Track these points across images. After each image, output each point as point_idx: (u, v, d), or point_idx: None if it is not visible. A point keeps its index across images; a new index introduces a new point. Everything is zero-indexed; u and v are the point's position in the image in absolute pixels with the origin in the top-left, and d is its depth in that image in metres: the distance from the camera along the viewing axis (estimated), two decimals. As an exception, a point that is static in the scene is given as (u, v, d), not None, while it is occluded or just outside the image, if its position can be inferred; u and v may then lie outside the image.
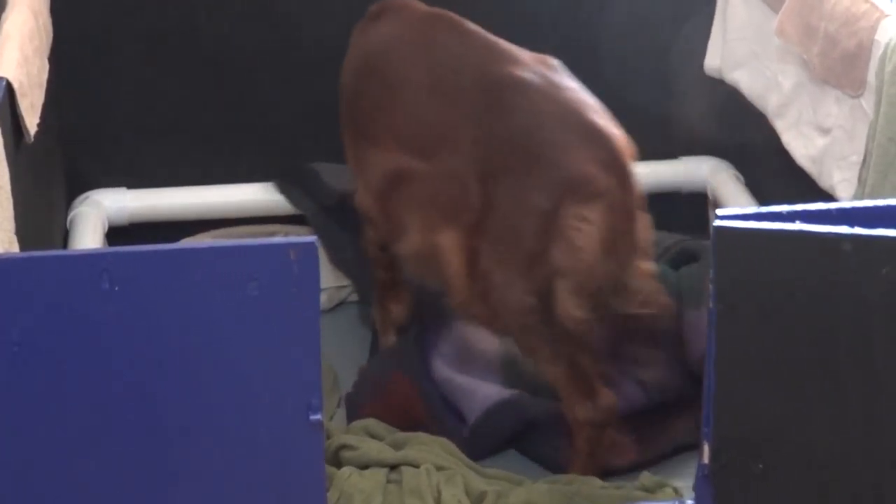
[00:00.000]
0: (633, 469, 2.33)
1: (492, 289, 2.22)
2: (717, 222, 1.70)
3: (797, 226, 1.67)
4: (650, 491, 2.20)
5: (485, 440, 2.38)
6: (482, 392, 2.45)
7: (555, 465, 2.36)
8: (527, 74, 2.33)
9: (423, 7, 2.58)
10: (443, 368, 2.52)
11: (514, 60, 2.37)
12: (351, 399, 2.51)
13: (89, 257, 1.73)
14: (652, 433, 2.44)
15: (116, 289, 1.70)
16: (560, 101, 2.30)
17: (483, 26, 2.94)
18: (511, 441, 2.42)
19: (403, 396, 2.48)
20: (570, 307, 2.19)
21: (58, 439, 1.75)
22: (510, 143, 2.26)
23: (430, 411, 2.45)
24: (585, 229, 2.20)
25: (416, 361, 2.55)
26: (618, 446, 2.39)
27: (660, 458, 2.38)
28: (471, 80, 2.35)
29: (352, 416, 2.47)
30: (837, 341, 1.71)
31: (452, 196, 2.26)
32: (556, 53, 3.02)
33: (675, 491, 2.16)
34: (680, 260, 2.76)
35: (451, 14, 2.53)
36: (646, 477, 2.25)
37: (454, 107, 2.33)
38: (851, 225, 1.64)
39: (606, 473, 2.33)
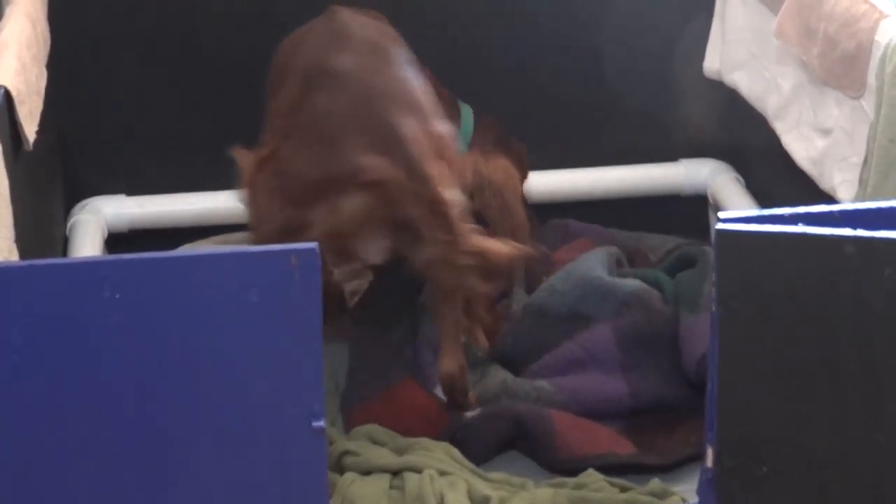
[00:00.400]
0: (641, 472, 2.33)
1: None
2: (719, 225, 1.69)
3: (799, 228, 1.67)
4: (658, 496, 2.19)
5: (471, 445, 2.38)
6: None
7: (554, 467, 2.36)
8: (340, 63, 2.41)
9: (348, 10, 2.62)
10: (438, 391, 2.52)
11: (341, 48, 2.45)
12: (349, 400, 2.50)
13: (90, 265, 1.73)
14: (654, 441, 2.44)
15: (117, 296, 1.70)
16: (356, 93, 2.38)
17: (481, 29, 2.95)
18: (501, 449, 2.42)
19: (412, 399, 2.48)
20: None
21: (59, 448, 1.74)
22: (305, 128, 2.38)
23: (445, 407, 2.45)
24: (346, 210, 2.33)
25: (418, 370, 2.56)
26: (614, 438, 2.39)
27: (665, 468, 2.37)
28: (303, 68, 2.46)
29: (347, 414, 2.46)
30: (840, 343, 1.70)
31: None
32: (556, 56, 3.04)
33: (683, 501, 2.16)
34: (678, 265, 2.75)
35: (346, 11, 2.56)
36: (655, 483, 2.24)
37: (289, 96, 2.45)
38: (854, 227, 1.64)
39: (610, 470, 2.33)
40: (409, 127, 2.34)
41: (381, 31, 2.55)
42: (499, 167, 2.73)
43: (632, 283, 2.60)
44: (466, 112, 2.85)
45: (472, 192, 2.62)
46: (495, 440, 2.40)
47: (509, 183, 2.73)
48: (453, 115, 2.77)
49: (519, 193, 2.77)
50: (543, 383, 2.49)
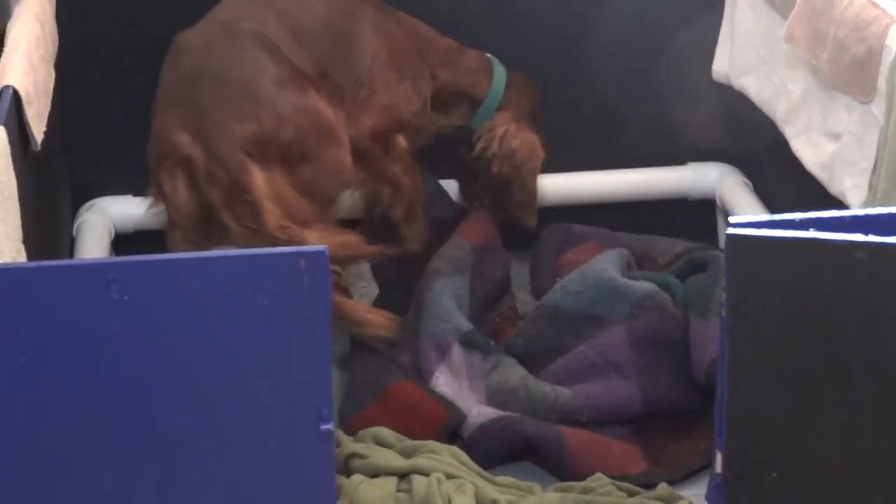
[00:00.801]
0: (650, 484, 2.32)
1: None
2: (730, 230, 1.69)
3: (811, 233, 1.66)
4: (666, 501, 2.19)
5: (478, 457, 2.37)
6: (476, 409, 2.44)
7: (563, 475, 2.35)
8: (186, 38, 2.55)
9: None
10: (443, 387, 2.51)
11: (198, 24, 2.58)
12: (346, 410, 2.49)
13: (98, 267, 1.72)
14: (664, 451, 2.43)
15: (125, 298, 1.69)
16: (187, 67, 2.51)
17: (488, 31, 2.95)
18: (506, 460, 2.41)
19: (408, 398, 2.47)
20: None
21: (66, 449, 1.74)
22: (155, 100, 2.54)
23: (442, 402, 2.44)
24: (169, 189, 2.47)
25: (416, 372, 2.56)
26: (626, 455, 2.38)
27: (677, 479, 2.36)
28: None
29: (346, 424, 2.45)
30: (850, 349, 1.70)
31: None
32: (563, 59, 3.03)
33: (691, 504, 2.16)
34: (688, 270, 2.74)
35: None
36: (663, 488, 2.24)
37: None
38: (865, 232, 1.63)
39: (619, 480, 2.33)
40: (224, 110, 2.40)
41: (262, 8, 2.58)
42: (526, 142, 2.78)
43: (645, 286, 2.59)
44: (499, 73, 2.87)
45: (493, 157, 2.67)
46: (503, 457, 2.39)
47: (531, 160, 2.79)
48: (478, 74, 2.80)
49: (537, 172, 2.81)
50: (560, 388, 2.49)
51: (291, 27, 2.55)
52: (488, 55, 2.92)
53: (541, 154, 2.83)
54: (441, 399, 2.46)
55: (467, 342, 2.57)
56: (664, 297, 2.59)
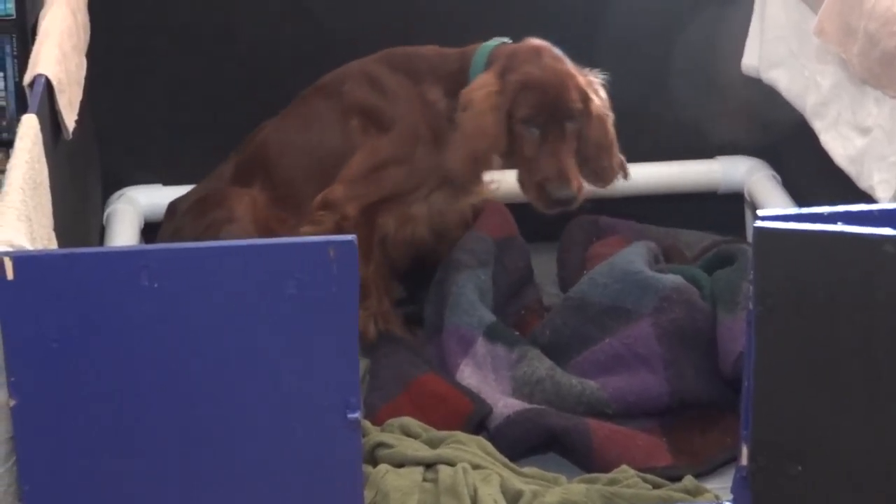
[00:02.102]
0: (676, 477, 2.32)
1: None
2: (758, 223, 1.69)
3: (839, 227, 1.66)
4: (691, 493, 2.19)
5: (504, 448, 2.37)
6: (504, 401, 2.45)
7: (589, 467, 2.35)
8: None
9: None
10: (468, 379, 2.52)
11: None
12: (373, 401, 2.50)
13: (129, 254, 1.73)
14: (690, 444, 2.43)
15: (156, 286, 1.70)
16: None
17: (517, 27, 2.95)
18: (532, 451, 2.41)
19: (435, 390, 2.48)
20: None
21: (96, 435, 1.75)
22: None
23: (468, 394, 2.45)
24: None
25: (441, 365, 2.56)
26: (652, 448, 2.38)
27: (703, 472, 2.36)
28: None
29: (373, 415, 2.46)
30: (878, 342, 1.70)
31: None
32: (593, 53, 3.03)
33: (717, 498, 2.15)
34: (715, 263, 2.74)
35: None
36: (689, 480, 2.24)
37: None
38: (894, 227, 1.63)
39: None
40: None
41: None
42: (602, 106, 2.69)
43: (672, 279, 2.59)
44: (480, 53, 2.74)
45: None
46: (529, 449, 2.39)
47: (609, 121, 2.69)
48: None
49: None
50: (587, 380, 2.49)
51: None
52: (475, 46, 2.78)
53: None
54: (467, 391, 2.47)
55: (492, 334, 2.57)
56: (691, 290, 2.58)
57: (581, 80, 2.63)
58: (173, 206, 2.86)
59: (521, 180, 2.62)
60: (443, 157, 2.65)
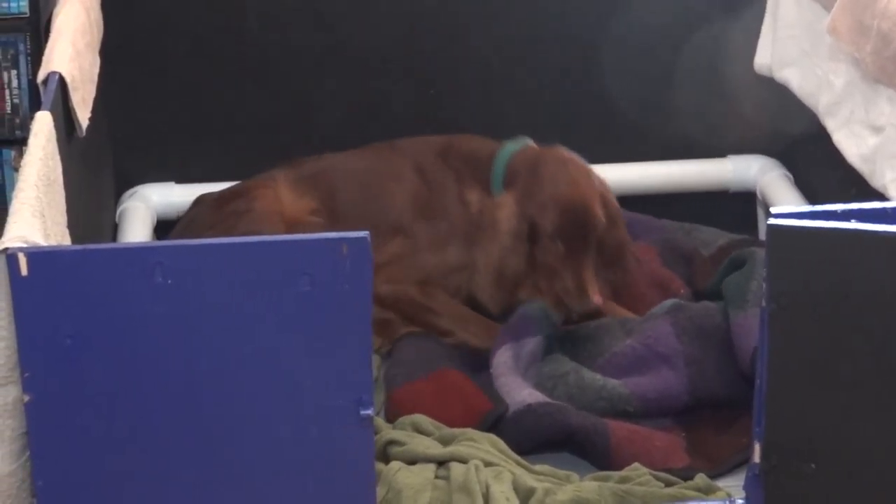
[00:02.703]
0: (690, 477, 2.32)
1: None
2: (772, 220, 1.68)
3: (852, 224, 1.66)
4: (703, 492, 2.18)
5: (518, 437, 2.37)
6: (528, 390, 2.45)
7: (606, 466, 2.35)
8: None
9: None
10: (502, 355, 2.53)
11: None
12: (394, 381, 2.51)
13: (143, 251, 1.74)
14: (707, 443, 2.43)
15: (169, 282, 1.71)
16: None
17: (530, 26, 2.95)
18: (548, 447, 2.41)
19: (456, 383, 2.49)
20: None
21: (110, 431, 1.76)
22: None
23: (488, 393, 2.46)
24: None
25: (464, 361, 2.57)
26: (670, 448, 2.38)
27: (720, 474, 2.36)
28: None
29: (391, 391, 2.49)
30: (892, 341, 1.69)
31: None
32: (605, 51, 3.03)
33: (729, 496, 2.15)
34: (729, 270, 2.74)
35: None
36: (701, 478, 2.24)
37: None
38: (908, 224, 1.63)
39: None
40: None
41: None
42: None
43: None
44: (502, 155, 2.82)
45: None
46: (543, 443, 2.39)
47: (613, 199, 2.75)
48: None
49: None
50: (610, 378, 2.50)
51: None
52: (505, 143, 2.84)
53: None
54: (488, 390, 2.48)
55: (549, 344, 2.59)
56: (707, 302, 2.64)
57: (603, 192, 2.70)
58: (200, 199, 2.89)
59: (539, 286, 2.66)
60: (472, 257, 2.73)
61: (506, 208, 2.67)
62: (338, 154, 2.90)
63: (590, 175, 2.71)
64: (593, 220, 2.64)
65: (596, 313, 2.65)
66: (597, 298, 2.61)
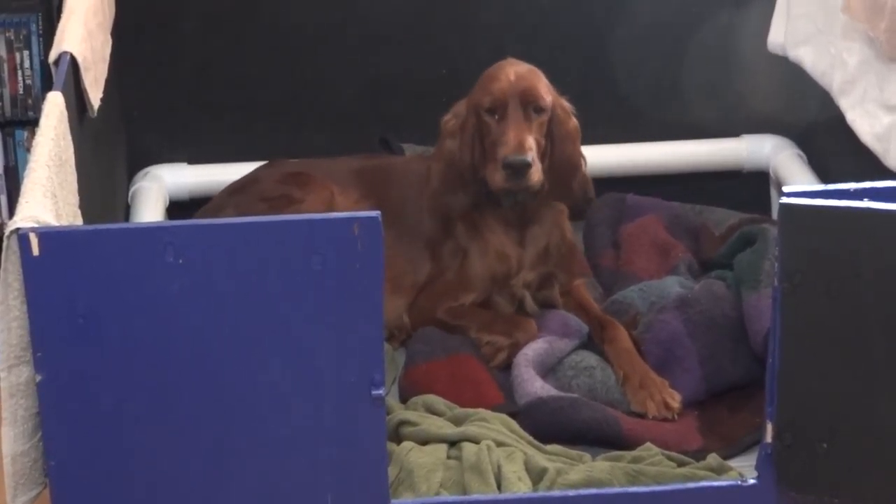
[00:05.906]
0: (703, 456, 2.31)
1: None
2: (784, 199, 1.68)
3: (865, 203, 1.66)
4: (715, 471, 2.18)
5: (529, 429, 2.37)
6: (541, 383, 2.44)
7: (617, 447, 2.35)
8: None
9: None
10: (533, 346, 2.52)
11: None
12: (415, 358, 2.52)
13: (154, 230, 1.74)
14: (721, 424, 2.42)
15: (181, 262, 1.71)
16: None
17: (531, 4, 2.94)
18: (560, 441, 2.41)
19: (473, 370, 2.49)
20: None
21: (122, 410, 1.76)
22: None
23: (502, 388, 2.45)
24: None
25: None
26: (683, 430, 2.38)
27: (733, 454, 2.36)
28: None
29: (408, 368, 2.50)
30: (904, 320, 1.69)
31: None
32: (620, 31, 3.02)
33: (741, 476, 2.15)
34: (737, 247, 2.73)
35: None
36: (713, 458, 2.23)
37: None
38: (920, 203, 1.63)
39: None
40: None
41: None
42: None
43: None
44: None
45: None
46: (552, 437, 2.39)
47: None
48: None
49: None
50: None
51: None
52: None
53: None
54: (502, 383, 2.47)
55: (581, 347, 2.59)
56: (712, 281, 2.62)
57: (553, 91, 2.62)
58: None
59: (487, 169, 2.58)
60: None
61: (450, 116, 2.66)
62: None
63: (536, 70, 2.63)
64: (532, 90, 2.55)
65: (526, 170, 2.50)
66: (531, 155, 2.50)
